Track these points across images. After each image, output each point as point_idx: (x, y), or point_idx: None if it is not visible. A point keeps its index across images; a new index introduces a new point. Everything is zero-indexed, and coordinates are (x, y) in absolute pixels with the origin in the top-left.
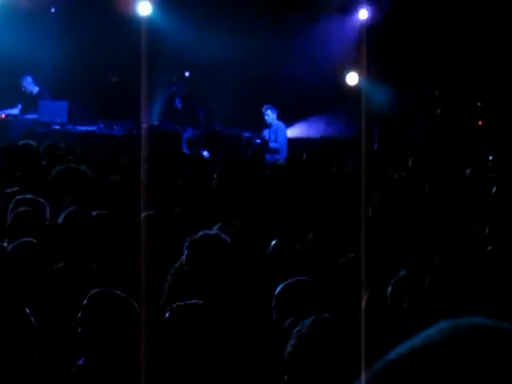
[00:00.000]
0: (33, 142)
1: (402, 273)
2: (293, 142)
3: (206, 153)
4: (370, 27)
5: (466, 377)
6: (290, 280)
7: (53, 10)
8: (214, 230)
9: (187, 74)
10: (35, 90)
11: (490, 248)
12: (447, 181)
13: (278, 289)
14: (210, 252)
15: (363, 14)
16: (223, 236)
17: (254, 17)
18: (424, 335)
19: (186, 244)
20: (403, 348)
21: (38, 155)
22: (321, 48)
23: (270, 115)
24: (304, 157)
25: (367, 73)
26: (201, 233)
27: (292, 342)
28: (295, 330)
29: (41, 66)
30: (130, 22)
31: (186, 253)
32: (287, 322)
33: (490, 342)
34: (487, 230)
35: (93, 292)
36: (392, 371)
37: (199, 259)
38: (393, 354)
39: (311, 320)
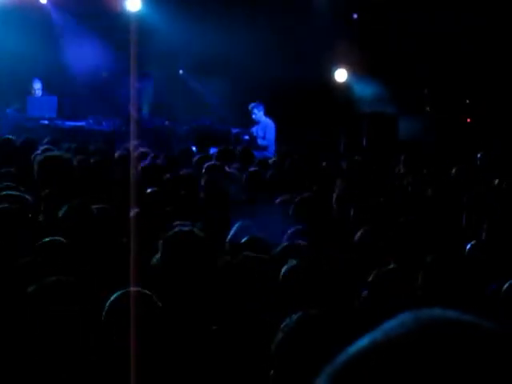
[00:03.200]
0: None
1: (385, 269)
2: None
3: (194, 148)
4: (360, 24)
5: (427, 369)
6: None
7: (45, 1)
8: (188, 227)
9: (181, 72)
10: (39, 95)
11: (483, 244)
12: (436, 179)
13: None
14: (184, 248)
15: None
16: (197, 232)
17: (244, 13)
18: (385, 328)
19: (161, 241)
20: (364, 341)
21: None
22: (310, 45)
23: (257, 113)
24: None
25: (356, 70)
26: (175, 229)
27: (278, 337)
28: (282, 325)
29: (31, 61)
30: (120, 18)
31: (160, 249)
32: (273, 317)
33: (451, 334)
34: (480, 226)
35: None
36: (354, 364)
37: (174, 255)
38: (354, 348)
39: (298, 315)
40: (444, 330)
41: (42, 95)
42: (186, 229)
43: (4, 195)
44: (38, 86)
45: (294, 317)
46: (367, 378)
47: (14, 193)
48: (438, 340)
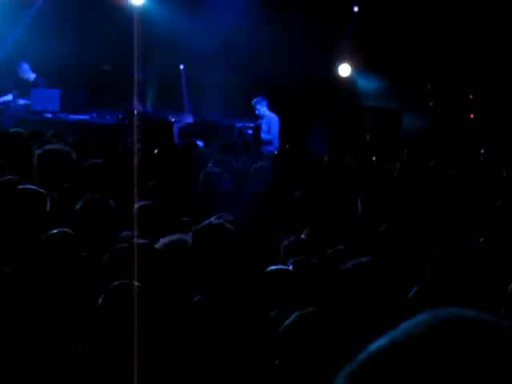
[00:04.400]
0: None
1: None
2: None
3: (199, 142)
4: (363, 19)
5: (447, 367)
6: (273, 268)
7: None
8: (218, 220)
9: (181, 67)
10: (31, 77)
11: (482, 240)
12: (437, 173)
13: (262, 276)
14: (215, 240)
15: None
16: (228, 225)
17: (248, 7)
18: (404, 327)
19: (191, 232)
20: (384, 340)
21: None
22: (314, 40)
23: (260, 108)
24: (287, 146)
25: (360, 65)
26: (206, 221)
27: (286, 328)
28: (291, 316)
29: (33, 54)
30: (124, 11)
31: (191, 241)
32: (273, 312)
33: (471, 333)
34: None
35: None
36: (374, 363)
37: (204, 247)
38: (373, 346)
39: (296, 314)
40: (464, 328)
41: (41, 84)
42: (217, 222)
43: (22, 189)
44: (25, 67)
45: (303, 311)
46: (387, 377)
47: (31, 187)
48: (457, 339)
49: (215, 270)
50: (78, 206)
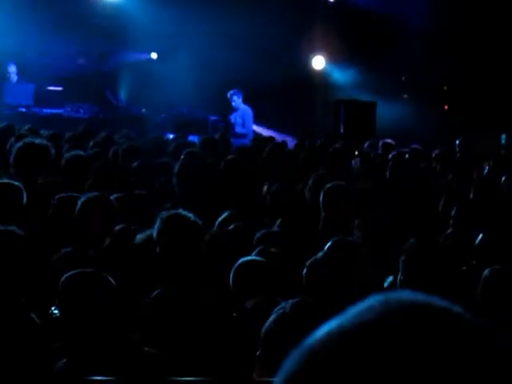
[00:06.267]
0: None
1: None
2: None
3: (172, 136)
4: (337, 11)
5: (395, 354)
6: (247, 258)
7: None
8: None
9: (154, 55)
10: (14, 79)
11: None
12: (414, 165)
13: (235, 267)
14: (181, 230)
15: None
16: (192, 216)
17: (222, 2)
18: (353, 312)
19: (158, 220)
20: (331, 325)
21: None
22: (287, 31)
23: (237, 100)
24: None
25: (333, 57)
26: (172, 211)
27: (270, 319)
28: (276, 308)
29: (7, 48)
30: (99, 4)
31: (157, 228)
32: (249, 304)
33: (420, 319)
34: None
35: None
36: (321, 350)
37: (171, 235)
38: (321, 332)
39: (294, 301)
40: (413, 315)
41: (18, 80)
42: (184, 212)
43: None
44: (12, 69)
45: (289, 302)
46: (334, 364)
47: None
48: (406, 325)
49: (183, 261)
50: (78, 204)
